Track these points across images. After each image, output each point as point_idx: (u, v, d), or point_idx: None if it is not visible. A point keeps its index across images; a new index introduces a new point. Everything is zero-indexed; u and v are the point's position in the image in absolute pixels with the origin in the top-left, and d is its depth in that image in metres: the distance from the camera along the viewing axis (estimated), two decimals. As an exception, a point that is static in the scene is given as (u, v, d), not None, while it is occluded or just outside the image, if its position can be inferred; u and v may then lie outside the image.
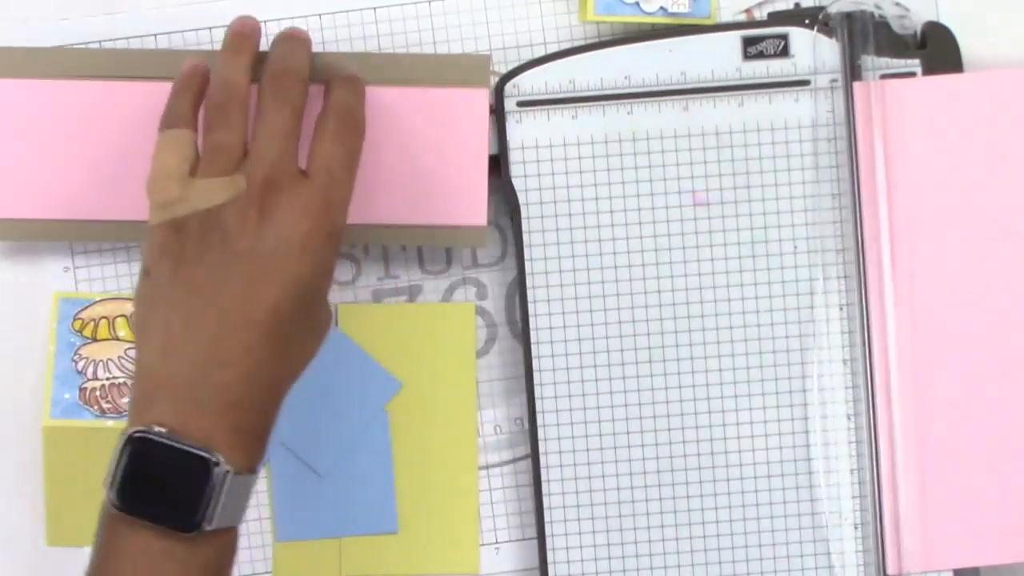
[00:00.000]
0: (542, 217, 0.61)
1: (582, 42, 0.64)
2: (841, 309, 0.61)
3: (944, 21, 0.63)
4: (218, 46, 0.64)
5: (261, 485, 0.64)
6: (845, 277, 0.61)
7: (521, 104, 0.61)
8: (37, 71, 0.62)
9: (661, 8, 0.62)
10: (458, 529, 0.64)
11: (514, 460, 0.65)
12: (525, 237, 0.61)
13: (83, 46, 0.64)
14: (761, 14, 0.63)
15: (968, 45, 0.62)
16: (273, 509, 0.64)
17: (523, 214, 0.61)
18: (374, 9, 0.64)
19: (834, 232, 0.61)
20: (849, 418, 0.61)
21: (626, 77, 0.60)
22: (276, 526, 0.64)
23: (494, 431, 0.65)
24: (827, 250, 0.61)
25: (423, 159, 0.61)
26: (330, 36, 0.64)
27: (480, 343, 0.65)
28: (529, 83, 0.61)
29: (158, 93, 0.59)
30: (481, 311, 0.65)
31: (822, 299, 0.61)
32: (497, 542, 0.65)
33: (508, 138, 0.61)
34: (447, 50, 0.64)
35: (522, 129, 0.60)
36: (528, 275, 0.61)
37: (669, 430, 0.61)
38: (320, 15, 0.64)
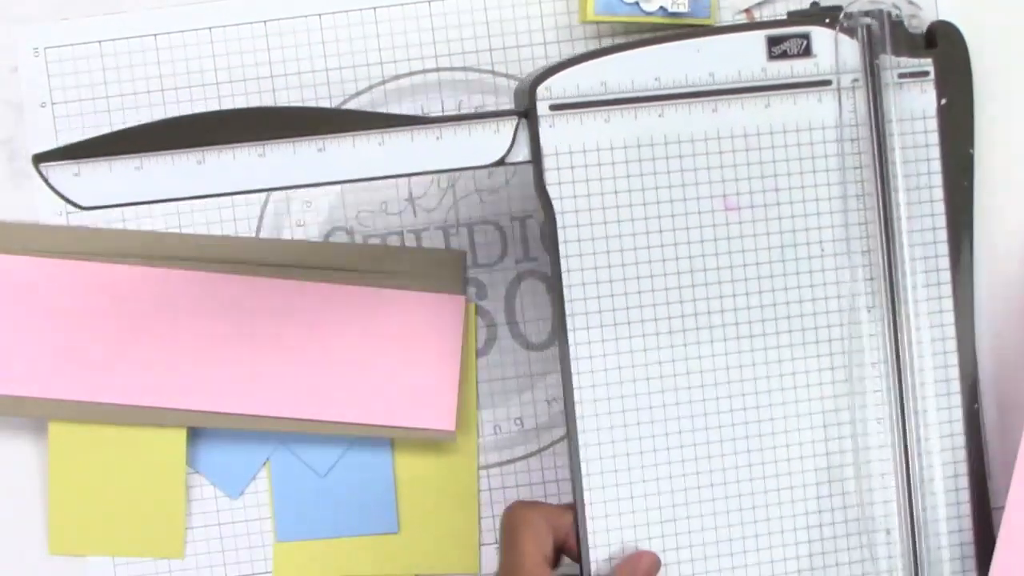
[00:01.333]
0: (578, 226, 0.59)
1: (582, 42, 0.64)
2: (868, 311, 0.60)
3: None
4: (218, 46, 0.64)
5: (261, 485, 0.64)
6: (871, 279, 0.60)
7: (553, 108, 0.59)
8: (22, 247, 0.63)
9: (661, 8, 0.62)
10: (458, 529, 0.64)
11: (514, 460, 0.65)
12: (562, 248, 0.59)
13: (83, 45, 0.64)
14: (761, 15, 0.63)
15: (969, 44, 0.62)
16: (273, 509, 0.64)
17: (559, 223, 0.59)
18: (374, 9, 0.64)
19: (860, 234, 0.61)
20: (879, 421, 0.60)
21: (656, 78, 0.59)
22: (276, 526, 0.64)
23: (494, 431, 0.65)
24: (854, 252, 0.60)
25: (396, 361, 0.62)
26: (330, 36, 0.64)
27: (480, 343, 0.65)
28: (561, 86, 0.59)
29: (147, 276, 0.62)
30: (481, 311, 0.65)
31: (849, 301, 0.60)
32: (497, 542, 0.65)
33: (542, 144, 0.59)
34: (447, 51, 0.64)
35: (555, 134, 0.59)
36: (566, 287, 0.59)
37: (707, 429, 0.60)
38: (320, 15, 0.64)
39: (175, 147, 0.56)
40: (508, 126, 0.58)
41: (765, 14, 0.64)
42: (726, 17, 0.64)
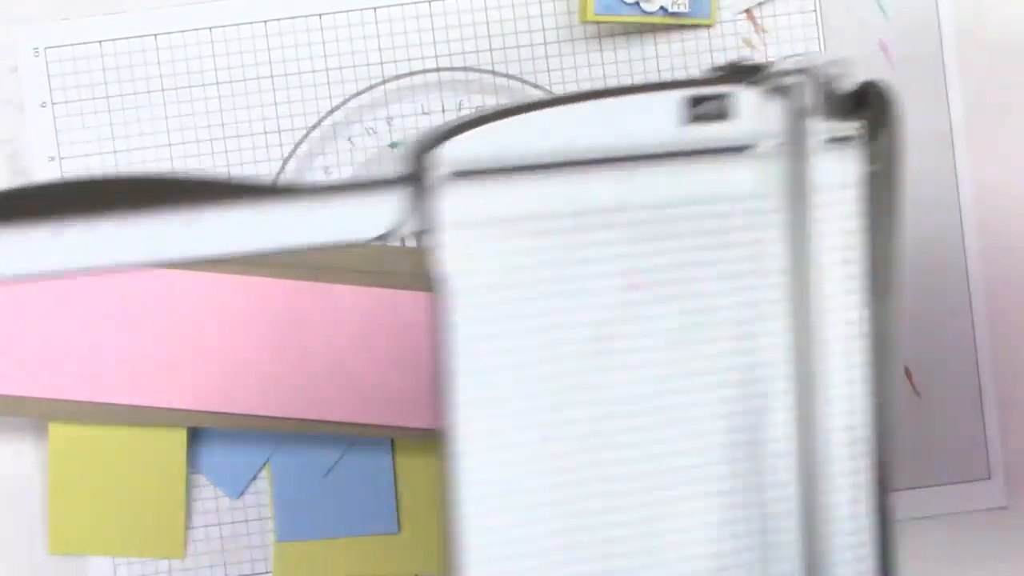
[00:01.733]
0: (474, 307, 0.52)
1: (582, 42, 0.64)
2: (780, 397, 0.54)
3: (945, 26, 0.63)
4: (218, 46, 0.64)
5: (261, 485, 0.64)
6: (781, 363, 0.54)
7: (452, 175, 0.50)
8: None
9: (661, 8, 0.62)
10: (458, 529, 0.64)
11: (514, 460, 0.65)
12: (454, 332, 0.52)
13: (83, 45, 0.64)
14: (761, 15, 0.63)
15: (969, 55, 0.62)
16: (273, 509, 0.64)
17: (452, 302, 0.51)
18: (374, 9, 0.64)
19: (775, 313, 0.54)
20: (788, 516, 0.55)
21: (566, 142, 0.51)
22: (276, 526, 0.64)
23: (494, 431, 0.65)
24: (769, 332, 0.54)
25: (396, 361, 0.62)
26: (330, 36, 0.64)
27: (480, 343, 0.65)
28: (460, 150, 0.51)
29: (147, 276, 0.62)
30: (481, 311, 0.65)
31: (761, 386, 0.54)
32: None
33: (436, 215, 0.50)
34: (447, 51, 0.64)
35: (451, 205, 0.50)
36: (458, 374, 0.52)
37: (605, 512, 0.53)
38: (320, 15, 0.64)
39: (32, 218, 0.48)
40: (397, 195, 0.51)
41: (765, 15, 0.65)
42: (726, 17, 0.64)
